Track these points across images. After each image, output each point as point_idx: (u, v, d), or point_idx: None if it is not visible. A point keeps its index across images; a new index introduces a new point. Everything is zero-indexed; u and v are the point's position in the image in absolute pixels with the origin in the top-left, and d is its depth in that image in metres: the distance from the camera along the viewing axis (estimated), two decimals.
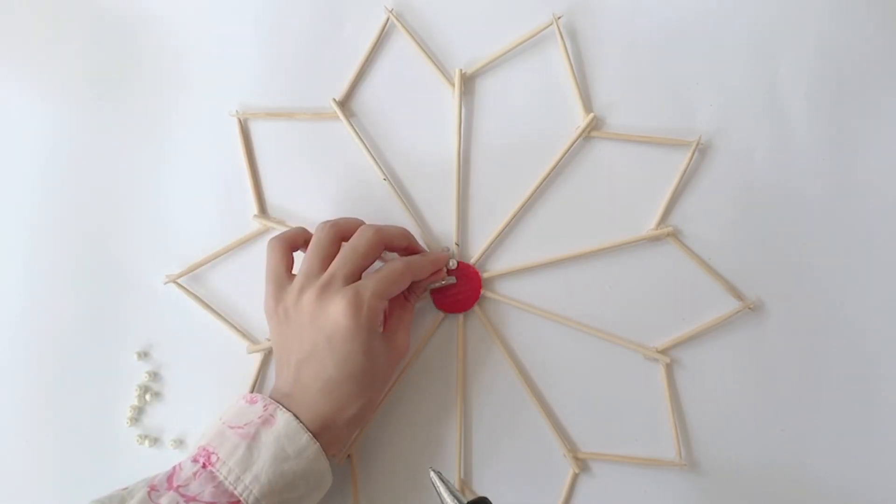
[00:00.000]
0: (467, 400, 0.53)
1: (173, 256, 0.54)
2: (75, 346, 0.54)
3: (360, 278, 0.47)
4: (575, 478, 0.53)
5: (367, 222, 0.50)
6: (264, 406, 0.45)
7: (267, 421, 0.44)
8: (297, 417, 0.44)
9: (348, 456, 0.52)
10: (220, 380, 0.54)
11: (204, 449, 0.44)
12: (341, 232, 0.48)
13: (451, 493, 0.40)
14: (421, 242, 0.53)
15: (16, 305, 0.55)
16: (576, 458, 0.52)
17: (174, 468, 0.44)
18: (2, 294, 0.55)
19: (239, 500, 0.42)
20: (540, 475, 0.53)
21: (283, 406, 0.45)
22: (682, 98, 0.54)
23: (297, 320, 0.46)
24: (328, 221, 0.49)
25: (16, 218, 0.55)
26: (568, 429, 0.53)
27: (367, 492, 0.53)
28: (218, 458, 0.43)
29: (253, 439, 0.44)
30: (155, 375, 0.54)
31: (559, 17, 0.53)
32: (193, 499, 0.41)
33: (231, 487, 0.42)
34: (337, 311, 0.44)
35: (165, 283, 0.54)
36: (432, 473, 0.41)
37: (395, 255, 0.52)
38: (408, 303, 0.51)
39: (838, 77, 0.54)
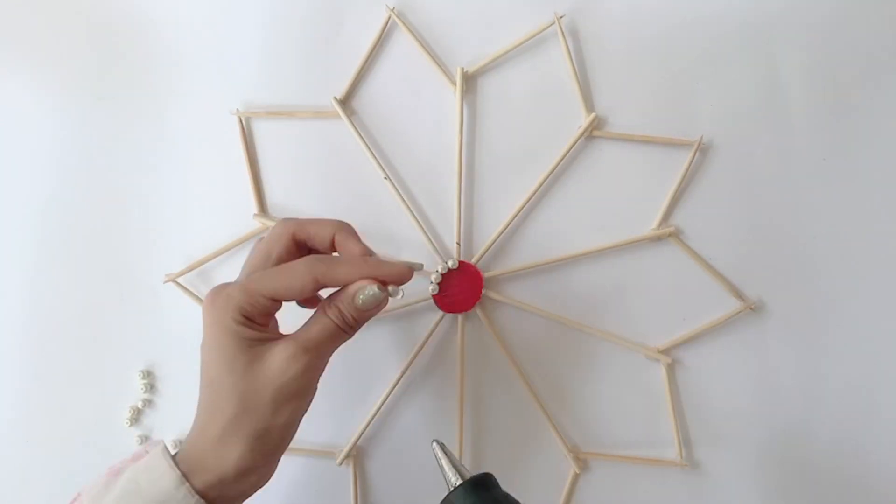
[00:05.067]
0: (467, 400, 0.53)
1: (174, 255, 0.54)
2: (75, 345, 0.54)
3: None
4: (576, 477, 0.53)
5: (370, 238, 0.48)
6: (147, 448, 0.41)
7: (138, 456, 0.40)
8: (167, 450, 0.39)
9: (347, 456, 0.52)
10: None
11: (77, 492, 0.40)
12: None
13: (454, 466, 0.38)
14: (423, 242, 0.53)
15: (15, 305, 0.55)
16: (577, 458, 0.52)
17: None
18: (4, 290, 0.55)
19: None
20: (541, 475, 0.53)
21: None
22: (683, 98, 0.54)
23: None
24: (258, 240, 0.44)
25: (17, 217, 0.55)
26: (569, 428, 0.53)
27: (368, 492, 0.53)
28: (80, 497, 0.39)
29: (116, 474, 0.39)
30: (155, 375, 0.54)
31: (561, 17, 0.53)
32: None
33: None
34: (203, 305, 0.39)
35: (165, 282, 0.54)
36: (435, 445, 0.39)
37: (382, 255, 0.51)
38: (325, 317, 0.40)
39: (838, 77, 0.54)
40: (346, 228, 0.42)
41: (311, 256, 0.39)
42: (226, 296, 0.38)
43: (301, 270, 0.38)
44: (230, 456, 0.37)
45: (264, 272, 0.39)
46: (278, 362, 0.38)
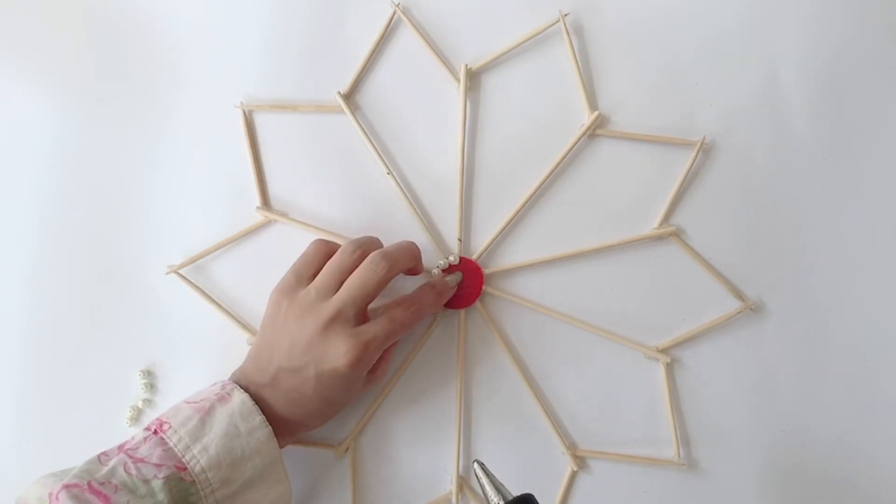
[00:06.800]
0: (467, 396, 0.53)
1: (176, 248, 0.54)
2: (75, 345, 0.54)
3: (366, 314, 0.47)
4: (573, 475, 0.52)
5: (372, 233, 0.51)
6: (222, 386, 0.46)
7: (223, 399, 0.45)
8: (252, 399, 0.45)
9: (346, 450, 0.52)
10: (221, 373, 0.53)
11: (157, 419, 0.44)
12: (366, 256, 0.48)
13: (495, 486, 0.39)
14: (424, 237, 0.53)
15: (16, 305, 0.54)
16: (575, 456, 0.52)
17: (127, 440, 0.44)
18: (3, 288, 0.55)
19: (186, 467, 0.42)
20: (538, 472, 0.53)
21: (249, 390, 0.46)
22: (685, 97, 0.54)
23: (294, 331, 0.46)
24: (358, 245, 0.48)
25: (19, 212, 0.55)
26: (567, 426, 0.53)
27: (366, 488, 0.53)
28: (170, 426, 0.43)
29: (207, 413, 0.44)
30: (155, 375, 0.54)
31: (566, 15, 0.53)
32: (141, 460, 0.42)
33: (179, 454, 0.42)
34: (339, 354, 0.44)
35: (167, 274, 0.54)
36: (476, 465, 0.41)
37: None
38: None
39: (838, 77, 0.54)
40: (419, 256, 0.50)
41: (413, 314, 0.48)
42: (369, 358, 0.46)
43: (412, 327, 0.48)
44: (310, 430, 0.49)
45: (389, 333, 0.46)
46: (379, 375, 0.49)
